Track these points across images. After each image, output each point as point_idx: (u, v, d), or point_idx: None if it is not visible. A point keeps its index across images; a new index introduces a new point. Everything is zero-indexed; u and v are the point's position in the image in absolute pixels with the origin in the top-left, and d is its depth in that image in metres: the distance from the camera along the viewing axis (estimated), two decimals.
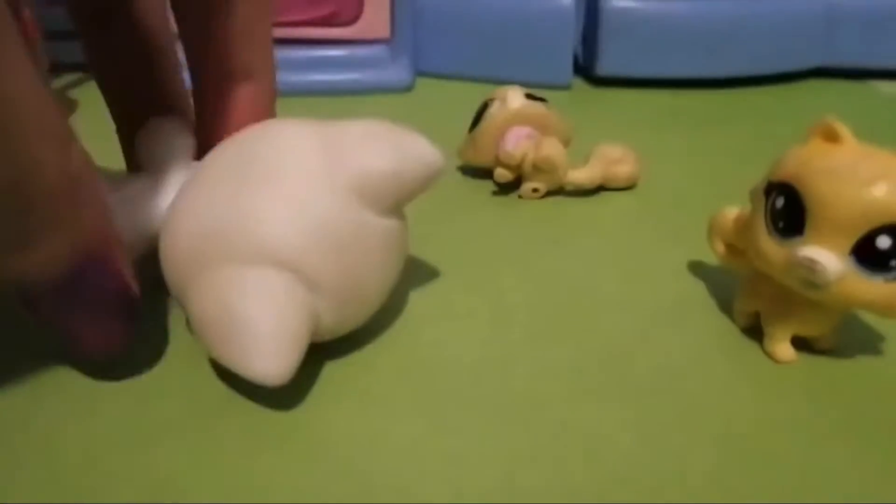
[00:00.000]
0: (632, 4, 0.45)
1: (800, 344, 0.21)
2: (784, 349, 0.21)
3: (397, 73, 0.46)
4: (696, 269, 0.26)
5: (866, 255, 0.19)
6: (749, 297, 0.22)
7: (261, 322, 0.18)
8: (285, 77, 0.46)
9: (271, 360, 0.17)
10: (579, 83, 0.48)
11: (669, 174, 0.33)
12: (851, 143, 0.20)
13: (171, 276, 0.20)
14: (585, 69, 0.49)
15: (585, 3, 0.48)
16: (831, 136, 0.20)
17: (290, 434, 0.18)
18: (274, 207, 0.18)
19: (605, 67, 0.47)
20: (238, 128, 0.21)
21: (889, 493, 0.17)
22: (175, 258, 0.19)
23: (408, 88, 0.47)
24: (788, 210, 0.20)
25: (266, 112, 0.22)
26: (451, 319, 0.23)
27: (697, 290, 0.25)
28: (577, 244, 0.28)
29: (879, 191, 0.18)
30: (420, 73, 0.48)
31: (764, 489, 0.17)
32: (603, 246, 0.28)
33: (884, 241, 0.18)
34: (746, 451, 0.18)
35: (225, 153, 0.20)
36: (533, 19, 0.46)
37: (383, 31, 0.46)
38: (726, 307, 0.23)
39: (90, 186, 0.17)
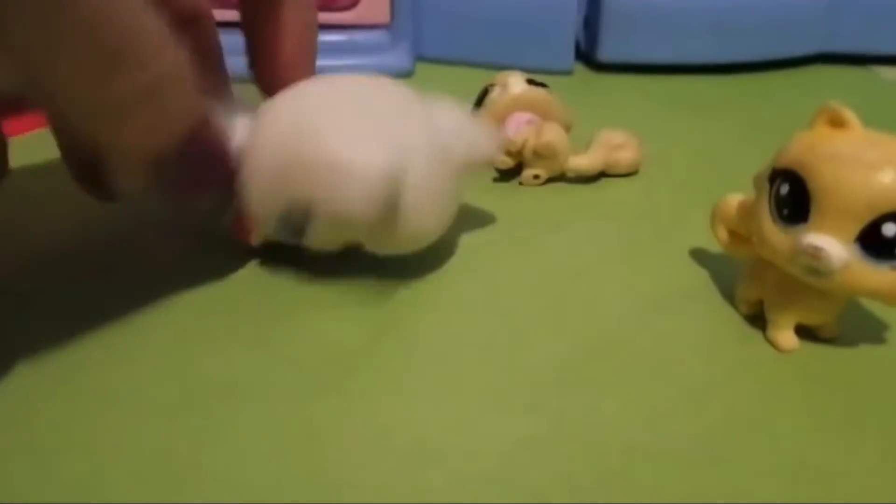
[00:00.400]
0: None
1: (803, 332, 0.21)
2: (787, 337, 0.21)
3: (397, 58, 0.46)
4: (699, 255, 0.26)
5: (872, 242, 0.18)
6: (752, 285, 0.22)
7: (361, 145, 0.20)
8: None
9: (378, 157, 0.20)
10: (581, 69, 0.48)
11: (672, 160, 0.33)
12: (857, 129, 0.19)
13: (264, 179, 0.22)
14: (587, 55, 0.48)
15: None
16: (837, 122, 0.20)
17: (287, 423, 0.18)
18: (378, 119, 0.22)
19: (606, 53, 0.46)
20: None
21: (891, 479, 0.17)
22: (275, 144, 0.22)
23: (408, 74, 0.46)
24: (793, 197, 0.19)
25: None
26: (452, 305, 0.23)
27: (700, 277, 0.24)
28: (578, 231, 0.28)
29: (886, 177, 0.18)
30: (420, 59, 0.48)
31: (766, 475, 0.17)
32: (605, 232, 0.27)
33: (890, 229, 0.18)
34: (748, 437, 0.18)
35: (324, 84, 0.24)
36: (534, 4, 0.46)
37: (383, 15, 0.46)
38: (729, 294, 0.23)
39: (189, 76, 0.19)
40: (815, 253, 0.19)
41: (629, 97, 0.43)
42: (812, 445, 0.18)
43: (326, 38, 0.45)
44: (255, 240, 0.24)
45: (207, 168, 0.21)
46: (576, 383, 0.20)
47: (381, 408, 0.19)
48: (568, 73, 0.46)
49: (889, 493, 0.16)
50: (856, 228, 0.18)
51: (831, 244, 0.18)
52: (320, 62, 0.44)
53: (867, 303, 0.23)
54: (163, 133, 0.19)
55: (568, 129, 0.31)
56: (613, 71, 0.46)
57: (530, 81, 0.32)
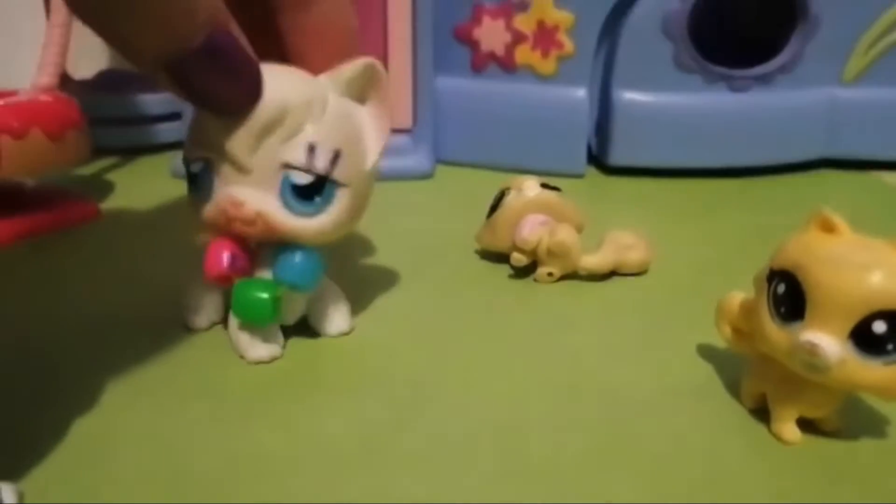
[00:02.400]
0: (643, 98, 0.48)
1: (806, 426, 0.22)
2: (790, 430, 0.22)
3: (418, 160, 0.49)
4: (705, 352, 0.27)
5: (864, 339, 0.19)
6: (756, 380, 0.23)
7: None
8: None
9: None
10: (592, 172, 0.50)
11: (679, 260, 0.35)
12: (847, 232, 0.21)
13: None
14: (598, 159, 0.51)
15: (599, 95, 0.50)
16: (828, 227, 0.21)
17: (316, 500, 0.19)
18: None
19: (617, 157, 0.49)
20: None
21: None
22: None
23: (428, 175, 0.49)
24: (789, 296, 0.21)
25: None
26: (466, 397, 0.24)
27: (706, 373, 0.26)
28: (590, 326, 0.29)
29: (874, 278, 0.19)
30: (440, 161, 0.50)
31: None
32: (615, 328, 0.29)
33: (879, 326, 0.19)
34: None
35: None
36: (548, 111, 0.49)
37: (405, 120, 0.49)
38: (734, 389, 0.24)
39: None
40: (812, 349, 0.20)
41: (638, 199, 0.45)
42: None
43: None
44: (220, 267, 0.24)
45: (233, 67, 0.22)
46: (587, 472, 0.20)
47: (405, 485, 0.20)
48: (580, 176, 0.49)
49: None
50: (848, 325, 0.20)
51: (826, 341, 0.20)
52: None
53: (868, 396, 0.24)
54: (181, 26, 0.20)
55: (580, 229, 0.33)
56: (623, 174, 0.49)
57: (544, 185, 0.34)
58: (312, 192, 0.24)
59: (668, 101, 0.48)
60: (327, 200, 0.25)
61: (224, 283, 0.25)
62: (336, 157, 0.24)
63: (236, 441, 0.22)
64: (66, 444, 0.21)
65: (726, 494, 0.20)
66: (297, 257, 0.25)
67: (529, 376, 0.25)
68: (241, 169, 0.24)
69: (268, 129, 0.23)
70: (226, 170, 0.24)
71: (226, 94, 0.22)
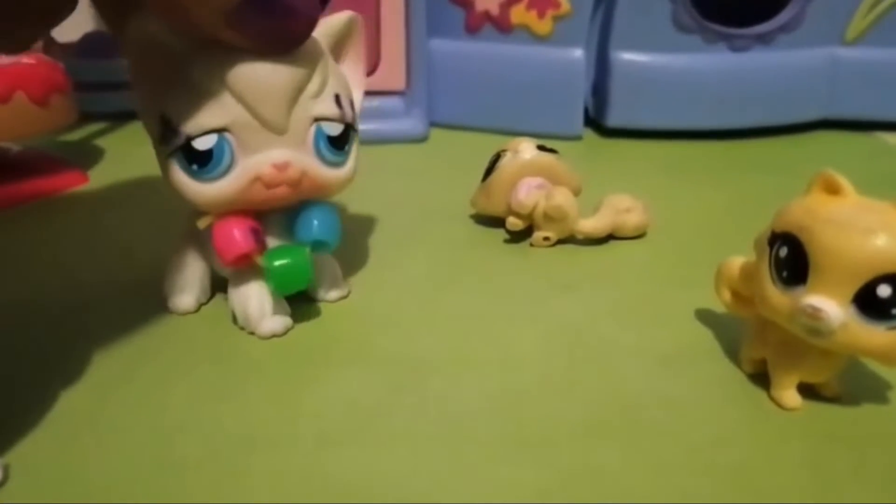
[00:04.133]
0: (641, 58, 0.47)
1: (806, 391, 0.22)
2: (790, 396, 0.22)
3: (412, 123, 0.48)
4: (703, 316, 0.26)
5: (867, 303, 0.19)
6: (756, 345, 0.23)
7: None
8: None
9: None
10: (590, 134, 0.49)
11: (677, 223, 0.34)
12: (851, 194, 0.20)
13: None
14: (596, 121, 0.50)
15: (596, 56, 0.49)
16: (832, 188, 0.21)
17: (304, 473, 0.19)
18: None
19: (614, 119, 0.48)
20: None
21: None
22: None
23: (423, 138, 0.48)
24: (792, 259, 0.20)
25: None
26: (464, 363, 0.24)
27: (704, 337, 0.25)
28: (586, 291, 0.28)
29: (880, 241, 0.19)
30: (434, 124, 0.50)
31: None
32: (612, 293, 0.28)
33: (884, 290, 0.19)
34: (751, 494, 0.18)
35: None
36: (544, 72, 0.48)
37: (399, 83, 0.48)
38: (732, 354, 0.24)
39: None
40: (814, 314, 0.19)
41: (636, 162, 0.45)
42: (815, 501, 0.18)
43: None
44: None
45: (291, 8, 0.22)
46: (583, 440, 0.20)
47: (396, 459, 0.19)
48: (577, 138, 0.48)
49: None
50: (852, 290, 0.19)
51: (829, 305, 0.19)
52: None
53: (869, 362, 0.23)
54: None
55: (577, 193, 0.32)
56: (621, 136, 0.48)
57: (541, 147, 0.33)
58: (342, 141, 0.25)
59: (666, 61, 0.47)
60: (350, 148, 0.25)
61: (245, 263, 0.24)
62: (351, 104, 0.25)
63: (227, 415, 0.21)
64: (55, 418, 0.21)
65: (723, 461, 0.19)
66: (322, 214, 0.25)
67: (526, 342, 0.25)
68: (278, 130, 0.23)
69: (302, 85, 0.23)
70: (251, 136, 0.23)
71: (284, 33, 0.22)
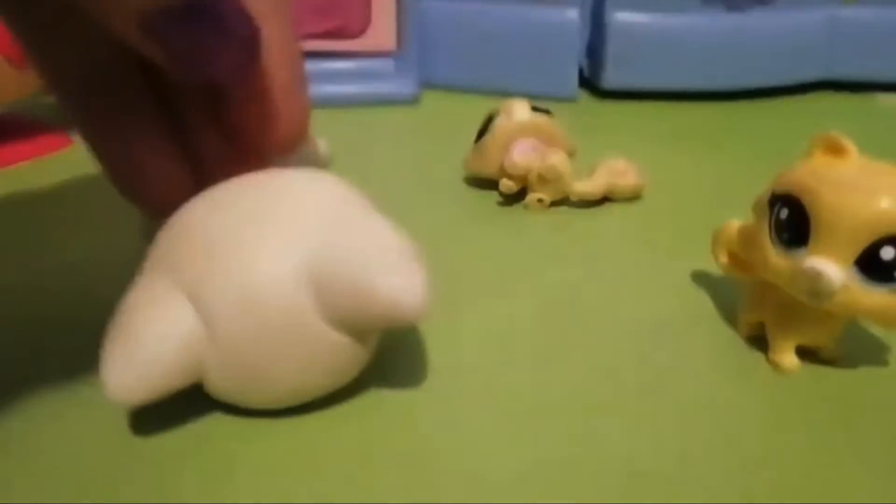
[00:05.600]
0: (637, 18, 0.46)
1: (805, 355, 0.22)
2: (788, 358, 0.21)
3: (404, 85, 0.47)
4: (700, 279, 0.26)
5: (870, 265, 0.19)
6: (753, 308, 0.22)
7: (140, 338, 0.17)
8: None
9: (125, 378, 0.17)
10: (584, 96, 0.49)
11: (673, 186, 0.34)
12: (855, 156, 0.20)
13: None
14: (590, 82, 0.49)
15: (591, 16, 0.48)
16: (835, 150, 0.20)
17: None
18: (236, 248, 0.18)
19: (609, 81, 0.47)
20: None
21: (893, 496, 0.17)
22: (152, 251, 0.19)
23: (414, 100, 0.47)
24: (792, 221, 0.20)
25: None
26: (457, 334, 0.23)
27: (701, 301, 0.25)
28: (581, 255, 0.28)
29: (884, 203, 0.18)
30: (426, 85, 0.49)
31: (768, 492, 0.17)
32: (607, 257, 0.28)
33: (887, 252, 0.18)
34: (749, 456, 0.18)
35: (251, 183, 0.20)
36: (538, 32, 0.47)
37: (390, 43, 0.47)
38: (730, 317, 0.24)
39: None
40: (815, 276, 0.19)
41: (632, 124, 0.44)
42: (812, 465, 0.18)
43: (334, 65, 0.46)
44: None
45: (222, 26, 0.18)
46: (582, 408, 0.20)
47: (395, 429, 0.19)
48: (572, 100, 0.47)
49: None
50: (854, 252, 0.19)
51: (831, 267, 0.19)
52: (332, 88, 0.46)
53: (868, 325, 0.23)
54: None
55: (571, 154, 0.32)
56: (616, 98, 0.47)
57: (535, 108, 0.32)
58: None
59: (663, 21, 0.46)
60: None
61: None
62: None
63: None
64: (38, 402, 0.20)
65: (721, 425, 0.19)
66: None
67: (519, 308, 0.24)
68: None
69: None
70: None
71: (211, 56, 0.18)
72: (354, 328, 0.18)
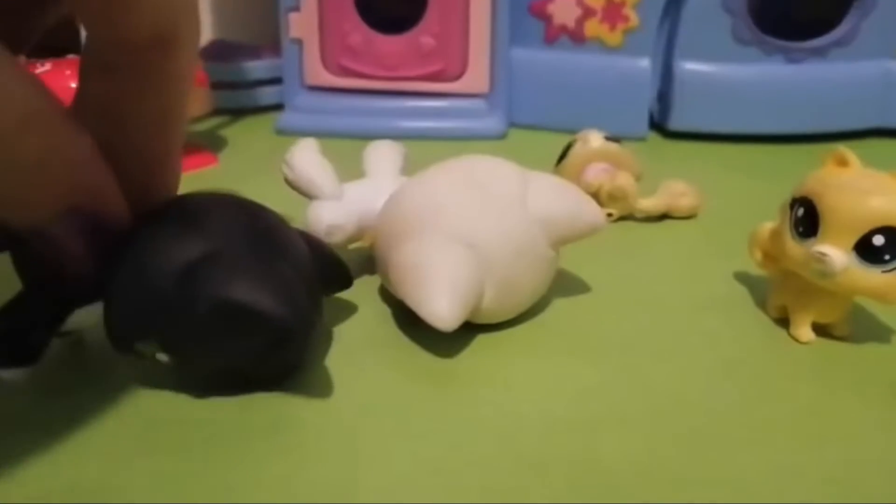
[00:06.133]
0: (702, 67, 0.52)
1: (820, 333, 0.27)
2: (805, 332, 0.26)
3: (493, 123, 0.54)
4: (740, 276, 0.31)
5: (865, 250, 0.24)
6: (778, 293, 0.28)
7: (443, 275, 0.24)
8: (398, 123, 0.54)
9: (446, 306, 0.23)
10: (654, 136, 0.54)
11: (726, 210, 0.39)
12: (857, 166, 0.25)
13: (385, 239, 0.27)
14: (659, 124, 0.55)
15: (661, 65, 0.54)
16: (842, 161, 0.25)
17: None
18: (478, 209, 0.26)
19: (676, 122, 0.53)
20: None
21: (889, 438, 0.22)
22: (392, 227, 0.27)
23: (502, 137, 0.54)
24: (806, 218, 0.25)
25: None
26: (541, 306, 0.29)
27: (740, 291, 0.30)
28: (642, 255, 0.34)
29: (875, 201, 0.24)
30: (513, 124, 0.55)
31: (783, 427, 0.22)
32: (664, 257, 0.33)
33: (878, 240, 0.24)
34: (770, 396, 0.23)
35: (444, 167, 0.28)
36: (614, 79, 0.53)
37: (483, 86, 0.54)
38: (761, 302, 0.29)
39: (72, 153, 0.19)
40: (821, 258, 0.24)
41: (695, 161, 0.49)
42: (819, 404, 0.23)
43: (434, 103, 0.53)
44: None
45: (65, 252, 0.20)
46: (637, 352, 0.25)
47: (480, 362, 0.25)
48: (642, 139, 0.53)
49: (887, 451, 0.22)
50: (853, 239, 0.24)
51: (834, 251, 0.24)
52: (430, 124, 0.53)
53: (870, 305, 0.28)
54: (35, 205, 0.19)
55: (638, 178, 0.38)
56: (682, 139, 0.53)
57: (607, 138, 0.38)
58: None
59: (726, 70, 0.51)
60: None
61: None
62: None
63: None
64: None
65: (748, 375, 0.24)
66: None
67: (589, 295, 0.30)
68: None
69: None
70: None
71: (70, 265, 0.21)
72: (560, 245, 0.27)
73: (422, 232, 0.25)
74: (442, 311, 0.23)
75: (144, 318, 0.20)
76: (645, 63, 0.53)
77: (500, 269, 0.25)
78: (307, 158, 0.30)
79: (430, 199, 0.26)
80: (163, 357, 0.21)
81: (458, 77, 0.53)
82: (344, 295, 0.28)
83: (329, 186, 0.29)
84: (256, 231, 0.22)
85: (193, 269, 0.20)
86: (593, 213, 0.28)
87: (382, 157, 0.32)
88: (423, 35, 0.53)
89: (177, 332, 0.20)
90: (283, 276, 0.21)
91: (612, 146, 0.38)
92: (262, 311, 0.20)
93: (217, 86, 0.57)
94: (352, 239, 0.30)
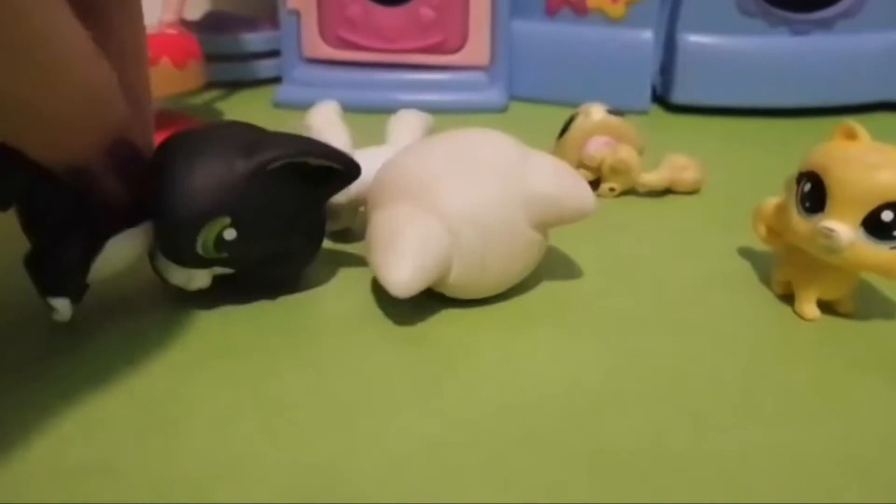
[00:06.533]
0: (705, 40, 0.51)
1: (825, 310, 0.26)
2: (810, 308, 0.26)
3: (494, 95, 0.53)
4: (744, 252, 0.31)
5: (873, 226, 0.23)
6: (783, 268, 0.27)
7: (408, 243, 0.24)
8: (398, 96, 0.53)
9: (403, 274, 0.24)
10: (656, 110, 0.54)
11: (729, 184, 0.39)
12: (865, 139, 0.25)
13: (371, 202, 0.27)
14: (662, 97, 0.54)
15: (664, 37, 0.53)
16: (850, 135, 0.25)
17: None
18: (458, 180, 0.25)
19: (679, 96, 0.52)
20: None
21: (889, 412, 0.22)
22: (379, 192, 0.27)
23: (502, 109, 0.53)
24: (813, 192, 0.25)
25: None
26: (536, 282, 0.29)
27: (744, 267, 0.30)
28: (645, 231, 0.33)
29: (883, 175, 0.23)
30: (514, 97, 0.55)
31: (787, 404, 0.22)
32: (667, 233, 0.33)
33: (887, 215, 0.23)
34: (771, 370, 0.23)
35: (442, 138, 0.27)
36: (616, 52, 0.52)
37: (483, 59, 0.53)
38: (765, 279, 0.28)
39: (113, 95, 0.21)
40: (828, 234, 0.24)
41: (698, 134, 0.49)
42: (824, 381, 0.23)
43: (435, 76, 0.53)
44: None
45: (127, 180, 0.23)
46: (639, 328, 0.25)
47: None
48: (644, 112, 0.52)
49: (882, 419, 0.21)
50: (860, 215, 0.23)
51: (841, 227, 0.24)
52: (430, 97, 0.52)
53: (886, 289, 0.27)
54: (78, 141, 0.21)
55: (640, 151, 0.37)
56: (685, 112, 0.52)
57: (609, 111, 0.38)
58: None
59: (730, 43, 0.51)
60: None
61: None
62: None
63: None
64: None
65: (750, 349, 0.24)
66: None
67: (589, 271, 0.30)
68: None
69: None
70: None
71: (118, 201, 0.23)
72: (547, 227, 0.27)
73: (400, 200, 0.26)
74: (398, 278, 0.24)
75: (215, 199, 0.23)
76: (648, 35, 0.52)
77: (471, 245, 0.25)
78: (325, 118, 0.32)
79: (418, 168, 0.26)
80: (227, 233, 0.24)
81: (458, 49, 0.53)
82: (340, 270, 0.28)
83: (344, 145, 0.30)
84: (266, 130, 0.26)
85: (254, 145, 0.24)
86: (585, 197, 0.26)
87: (404, 125, 0.33)
88: (422, 6, 0.52)
89: (248, 202, 0.23)
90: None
91: (615, 119, 0.37)
92: (335, 154, 0.25)
93: (213, 58, 0.56)
94: (356, 202, 0.30)
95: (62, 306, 0.23)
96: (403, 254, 0.24)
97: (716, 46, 0.51)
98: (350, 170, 0.25)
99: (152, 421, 0.20)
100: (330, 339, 0.24)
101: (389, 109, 0.40)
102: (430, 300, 0.26)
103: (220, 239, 0.24)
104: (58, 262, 0.23)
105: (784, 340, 0.25)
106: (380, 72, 0.53)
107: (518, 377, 0.23)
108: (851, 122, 0.25)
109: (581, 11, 0.53)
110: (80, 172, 0.21)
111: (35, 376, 0.22)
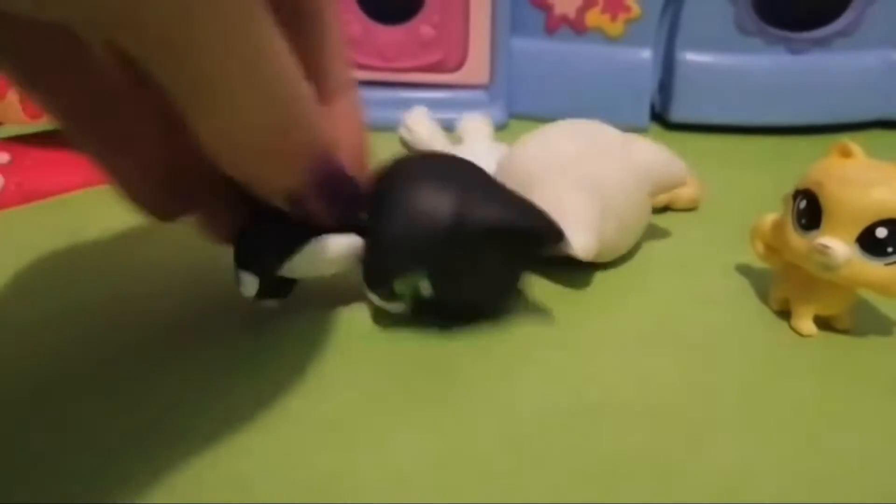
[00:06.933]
0: (703, 58, 0.51)
1: (823, 326, 0.26)
2: (807, 325, 0.26)
3: (494, 113, 0.53)
4: (742, 269, 0.31)
5: (868, 243, 0.24)
6: (781, 285, 0.27)
7: (578, 213, 0.27)
8: (396, 115, 0.53)
9: (589, 237, 0.27)
10: (655, 127, 0.54)
11: (728, 201, 0.39)
12: (861, 157, 0.25)
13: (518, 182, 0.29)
14: (660, 115, 0.54)
15: (662, 56, 0.54)
16: (846, 153, 0.25)
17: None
18: (593, 156, 0.30)
19: (677, 114, 0.52)
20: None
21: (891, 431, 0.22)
22: (519, 178, 0.29)
23: (502, 127, 0.53)
24: (809, 209, 0.25)
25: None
26: (535, 304, 0.29)
27: (741, 283, 0.30)
28: (642, 248, 0.33)
29: (878, 193, 0.23)
30: (513, 115, 0.55)
31: (784, 420, 0.22)
32: (664, 249, 0.33)
33: (881, 232, 0.23)
34: (770, 392, 0.23)
35: (554, 128, 0.32)
36: (615, 69, 0.53)
37: (483, 77, 0.53)
38: (763, 296, 0.29)
39: (311, 109, 0.20)
40: (824, 250, 0.24)
41: (696, 152, 0.48)
42: (821, 397, 0.23)
43: (435, 94, 0.53)
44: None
45: (340, 194, 0.22)
46: (635, 344, 0.25)
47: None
48: (643, 130, 0.53)
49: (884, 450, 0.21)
50: (855, 232, 0.24)
51: (837, 244, 0.24)
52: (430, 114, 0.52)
53: (874, 298, 0.28)
54: (294, 165, 0.20)
55: None
56: (683, 130, 0.52)
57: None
58: None
59: (728, 61, 0.51)
60: None
61: None
62: None
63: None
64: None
65: (748, 370, 0.24)
66: None
67: (584, 282, 0.30)
68: None
69: None
70: None
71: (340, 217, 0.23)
72: (654, 195, 0.32)
73: (547, 180, 0.29)
74: (584, 241, 0.26)
75: (416, 250, 0.24)
76: (646, 53, 0.52)
77: (617, 209, 0.29)
78: (425, 122, 0.39)
79: (551, 151, 0.30)
80: (423, 287, 0.24)
81: (457, 67, 0.53)
82: (342, 286, 0.28)
83: (443, 147, 0.38)
84: (481, 172, 0.26)
85: (465, 201, 0.24)
86: (682, 166, 0.32)
87: (476, 125, 0.41)
88: (422, 25, 0.52)
89: (449, 258, 0.24)
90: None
91: None
92: (535, 227, 0.25)
93: None
94: None
95: (249, 282, 0.24)
96: (578, 221, 0.27)
97: (714, 65, 0.51)
98: (555, 238, 0.25)
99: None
100: (330, 355, 0.25)
101: (389, 128, 0.40)
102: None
103: (416, 292, 0.25)
104: (259, 240, 0.24)
105: (782, 356, 0.25)
106: (379, 90, 0.54)
107: (518, 393, 0.23)
108: (846, 140, 0.25)
109: (580, 30, 0.54)
110: (297, 200, 0.21)
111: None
